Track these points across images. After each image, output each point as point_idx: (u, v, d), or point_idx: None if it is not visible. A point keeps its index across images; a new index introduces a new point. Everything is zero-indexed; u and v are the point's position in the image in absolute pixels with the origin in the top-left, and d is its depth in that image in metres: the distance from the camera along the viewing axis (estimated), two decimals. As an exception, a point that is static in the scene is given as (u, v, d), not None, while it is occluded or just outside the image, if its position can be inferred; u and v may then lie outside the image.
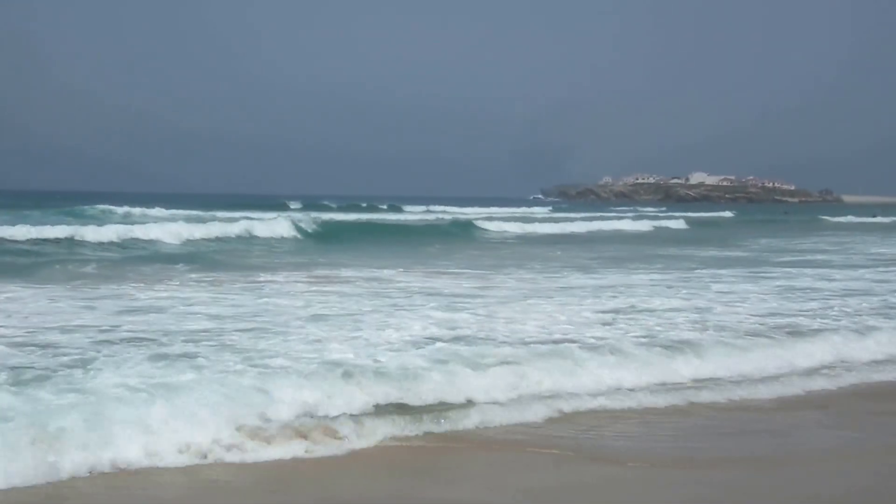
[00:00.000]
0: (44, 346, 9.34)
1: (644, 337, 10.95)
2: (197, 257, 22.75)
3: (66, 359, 8.72)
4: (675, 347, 10.38)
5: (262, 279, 16.91)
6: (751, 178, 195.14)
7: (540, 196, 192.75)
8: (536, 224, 45.77)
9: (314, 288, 15.62)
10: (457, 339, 10.36)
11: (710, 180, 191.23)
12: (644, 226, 50.69)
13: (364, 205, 71.63)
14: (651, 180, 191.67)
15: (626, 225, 50.00)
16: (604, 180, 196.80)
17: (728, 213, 78.63)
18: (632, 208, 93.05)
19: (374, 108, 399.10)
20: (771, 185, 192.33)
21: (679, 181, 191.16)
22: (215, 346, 9.58)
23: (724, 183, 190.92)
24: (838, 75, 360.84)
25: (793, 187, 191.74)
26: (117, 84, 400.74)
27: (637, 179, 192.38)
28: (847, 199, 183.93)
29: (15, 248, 23.74)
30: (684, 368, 9.83)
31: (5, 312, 11.72)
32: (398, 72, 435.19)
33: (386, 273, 18.30)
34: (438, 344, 9.95)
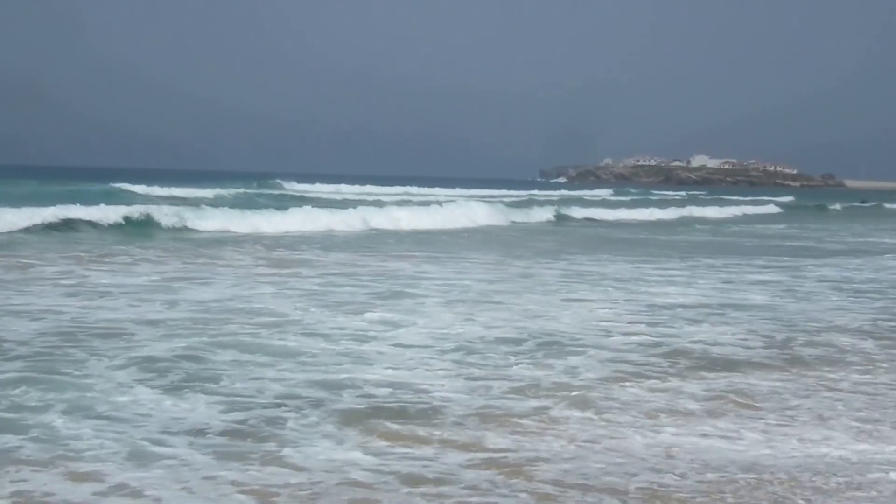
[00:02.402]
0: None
1: None
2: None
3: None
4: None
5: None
6: (752, 161, 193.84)
7: (539, 178, 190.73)
8: (622, 210, 41.43)
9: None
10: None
11: (712, 163, 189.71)
12: (736, 211, 47.94)
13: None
14: (652, 162, 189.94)
15: (710, 212, 45.67)
16: (604, 162, 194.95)
17: (790, 198, 75.38)
18: (710, 193, 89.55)
19: (374, 89, 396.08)
20: (773, 168, 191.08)
21: (680, 164, 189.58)
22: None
23: (726, 166, 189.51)
24: (842, 65, 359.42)
25: (795, 171, 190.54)
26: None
27: (638, 161, 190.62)
28: (850, 183, 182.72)
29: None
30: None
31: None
32: (406, 54, 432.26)
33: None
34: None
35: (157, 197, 38.69)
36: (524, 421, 6.27)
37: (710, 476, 5.31)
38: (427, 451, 5.63)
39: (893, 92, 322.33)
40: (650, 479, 5.24)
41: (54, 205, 22.08)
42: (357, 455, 5.50)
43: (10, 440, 5.58)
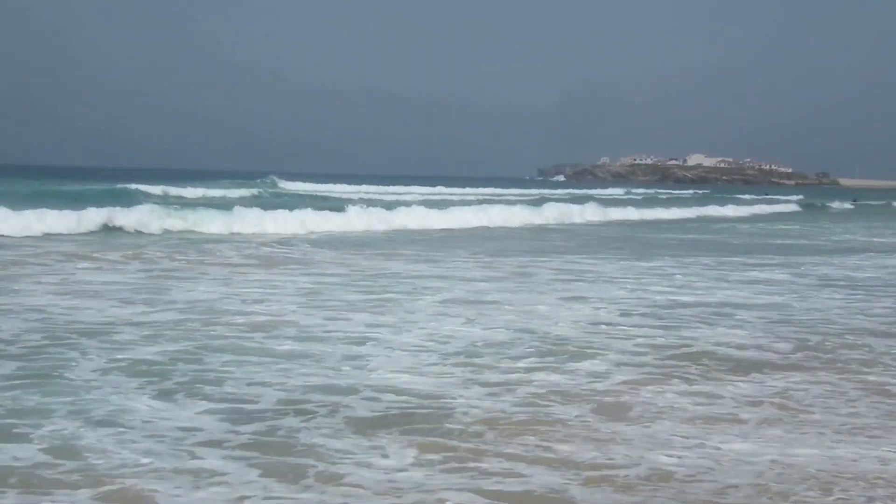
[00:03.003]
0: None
1: None
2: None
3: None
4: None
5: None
6: (748, 160, 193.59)
7: (538, 177, 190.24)
8: (659, 209, 40.89)
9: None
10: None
11: (708, 162, 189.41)
12: (755, 210, 47.75)
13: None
14: (649, 161, 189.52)
15: (730, 211, 45.13)
16: (601, 161, 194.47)
17: (798, 196, 74.91)
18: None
19: (377, 102, 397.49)
20: (768, 167, 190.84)
21: (676, 162, 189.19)
22: None
23: (722, 164, 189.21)
24: (841, 66, 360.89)
25: (790, 170, 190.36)
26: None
27: (634, 160, 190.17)
28: (844, 182, 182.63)
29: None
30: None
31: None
32: (407, 70, 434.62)
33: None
34: None
35: (166, 196, 38.00)
36: (579, 431, 5.59)
37: (877, 492, 4.53)
38: (498, 465, 4.93)
39: (888, 94, 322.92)
40: (804, 497, 4.45)
41: (60, 207, 21.30)
42: (424, 472, 4.80)
43: (25, 453, 4.77)
